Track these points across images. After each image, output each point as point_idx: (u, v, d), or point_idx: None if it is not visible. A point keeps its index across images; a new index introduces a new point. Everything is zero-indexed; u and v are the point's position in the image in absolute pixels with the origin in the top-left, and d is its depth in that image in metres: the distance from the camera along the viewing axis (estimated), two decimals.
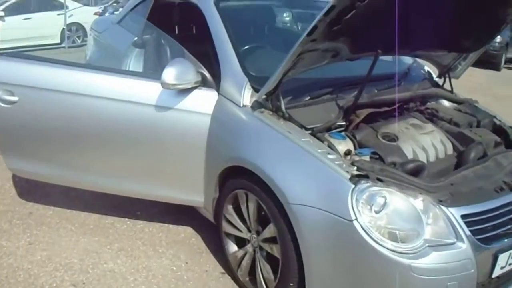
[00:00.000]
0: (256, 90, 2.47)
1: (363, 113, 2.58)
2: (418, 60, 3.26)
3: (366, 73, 2.40)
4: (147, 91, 2.63)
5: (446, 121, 2.77)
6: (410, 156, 2.36)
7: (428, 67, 3.30)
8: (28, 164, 2.99)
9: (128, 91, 2.66)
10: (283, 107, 2.35)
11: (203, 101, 2.57)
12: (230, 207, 2.54)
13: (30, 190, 3.54)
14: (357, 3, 1.93)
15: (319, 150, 2.16)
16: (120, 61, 3.65)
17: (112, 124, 2.69)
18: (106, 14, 12.40)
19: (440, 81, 3.18)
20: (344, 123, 2.49)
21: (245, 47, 2.79)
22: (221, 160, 2.50)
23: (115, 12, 12.46)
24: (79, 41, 12.00)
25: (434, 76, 3.24)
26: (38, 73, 2.79)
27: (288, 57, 2.16)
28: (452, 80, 3.15)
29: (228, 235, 2.62)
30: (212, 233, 2.94)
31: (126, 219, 3.23)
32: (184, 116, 2.57)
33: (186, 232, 3.09)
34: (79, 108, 2.71)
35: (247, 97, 2.47)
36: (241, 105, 2.46)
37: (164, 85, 2.47)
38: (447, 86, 3.13)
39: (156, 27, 3.45)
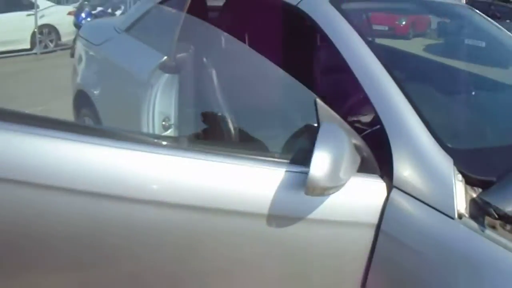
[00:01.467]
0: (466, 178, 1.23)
1: None
2: None
3: None
4: (243, 187, 1.27)
5: None
6: None
7: None
8: None
9: (201, 189, 1.26)
10: None
11: (360, 199, 1.26)
12: None
13: None
14: None
15: None
16: (139, 96, 2.30)
17: (175, 253, 1.29)
18: (83, 15, 10.88)
19: None
20: None
21: (416, 91, 1.45)
22: None
23: (98, 8, 10.97)
24: (51, 46, 10.53)
25: None
26: (9, 151, 1.33)
27: None
28: None
29: None
30: None
31: None
32: (319, 231, 1.25)
33: None
34: (91, 222, 1.25)
35: (461, 198, 1.19)
36: (455, 216, 1.16)
37: (314, 190, 1.10)
38: None
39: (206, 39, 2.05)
